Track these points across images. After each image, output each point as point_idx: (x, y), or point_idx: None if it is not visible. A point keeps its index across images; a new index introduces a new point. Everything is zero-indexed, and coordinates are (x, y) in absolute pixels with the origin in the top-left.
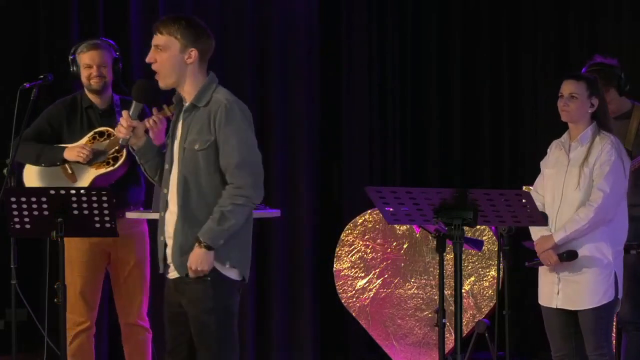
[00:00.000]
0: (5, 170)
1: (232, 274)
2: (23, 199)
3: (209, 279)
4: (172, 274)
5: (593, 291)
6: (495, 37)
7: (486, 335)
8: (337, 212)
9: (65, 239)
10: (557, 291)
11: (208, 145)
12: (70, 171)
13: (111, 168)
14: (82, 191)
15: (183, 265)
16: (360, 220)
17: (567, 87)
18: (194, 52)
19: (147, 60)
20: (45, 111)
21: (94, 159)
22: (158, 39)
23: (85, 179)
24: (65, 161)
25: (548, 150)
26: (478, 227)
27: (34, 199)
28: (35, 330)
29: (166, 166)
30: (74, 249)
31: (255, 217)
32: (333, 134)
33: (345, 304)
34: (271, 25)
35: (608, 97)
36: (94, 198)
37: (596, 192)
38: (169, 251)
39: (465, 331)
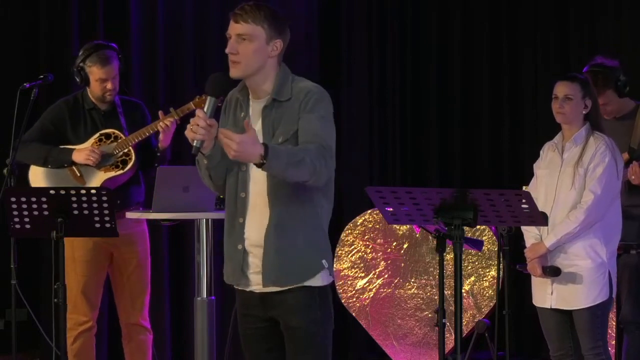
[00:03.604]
0: (5, 170)
1: (327, 277)
2: (23, 199)
3: (316, 288)
4: (260, 287)
5: (588, 290)
6: (495, 37)
7: (486, 335)
8: (337, 212)
9: (69, 239)
10: (550, 291)
11: (292, 134)
12: (78, 174)
13: (121, 172)
14: (82, 191)
15: (285, 277)
16: (360, 220)
17: (562, 89)
18: (279, 44)
19: (229, 51)
20: (47, 111)
21: (103, 162)
22: (243, 28)
23: (94, 182)
24: (73, 163)
25: (541, 152)
26: (478, 227)
27: (34, 199)
28: (35, 330)
29: (242, 167)
30: (77, 248)
31: None
32: None
33: (345, 304)
34: None
35: (606, 98)
36: (94, 198)
37: (588, 194)
38: (254, 261)
39: (465, 331)
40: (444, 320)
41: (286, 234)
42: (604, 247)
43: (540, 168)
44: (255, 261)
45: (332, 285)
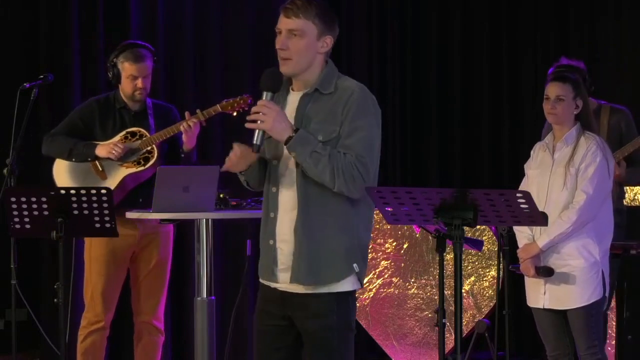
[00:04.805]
0: (5, 170)
1: (353, 284)
2: (23, 199)
3: (334, 293)
4: (284, 285)
5: (582, 290)
6: (495, 37)
7: (486, 335)
8: None
9: (88, 239)
10: (543, 291)
11: (334, 137)
12: (100, 168)
13: (141, 168)
14: (82, 191)
15: (305, 277)
16: None
17: (554, 90)
18: (329, 40)
19: (279, 47)
20: (77, 108)
21: (125, 157)
22: (294, 23)
23: (115, 177)
24: (96, 158)
25: (531, 152)
26: (478, 227)
27: (34, 199)
28: (35, 330)
29: (274, 162)
30: (96, 248)
31: (257, 217)
32: None
33: None
34: (271, 25)
35: None
36: (94, 198)
37: (580, 194)
38: (282, 258)
39: (465, 331)
40: (444, 320)
41: (315, 233)
42: (596, 247)
43: (531, 168)
44: (282, 258)
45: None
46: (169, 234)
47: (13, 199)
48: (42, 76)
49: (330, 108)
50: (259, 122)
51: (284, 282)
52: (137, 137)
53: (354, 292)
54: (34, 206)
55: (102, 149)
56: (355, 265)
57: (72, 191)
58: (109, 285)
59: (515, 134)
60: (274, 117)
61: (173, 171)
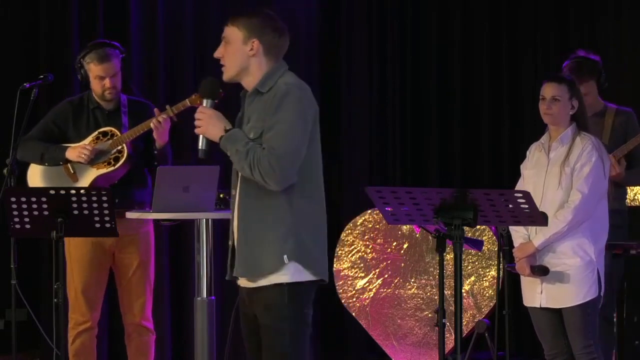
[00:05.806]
0: (5, 170)
1: (293, 274)
2: (23, 199)
3: (284, 284)
4: (240, 281)
5: (577, 288)
6: (495, 37)
7: (486, 335)
8: (337, 212)
9: (67, 239)
10: (540, 290)
11: (261, 133)
12: (72, 171)
13: (112, 168)
14: (82, 191)
15: (239, 268)
16: (360, 220)
17: (550, 90)
18: (255, 43)
19: (215, 54)
20: (52, 110)
21: (96, 158)
22: (224, 31)
23: (86, 179)
24: (67, 161)
25: (527, 152)
26: (478, 227)
27: (34, 199)
28: (35, 330)
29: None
30: (75, 248)
31: None
32: (333, 134)
33: (345, 304)
34: None
35: (587, 88)
36: (94, 198)
37: (575, 194)
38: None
39: (465, 331)
40: (444, 320)
41: (248, 228)
42: (592, 246)
43: (527, 168)
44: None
45: (328, 286)
46: (149, 234)
47: (13, 199)
48: (42, 76)
49: (264, 106)
50: (200, 128)
51: (241, 279)
52: (109, 136)
53: (306, 284)
54: (34, 206)
55: (72, 152)
56: (285, 256)
57: (72, 191)
58: (91, 286)
59: (515, 134)
60: (207, 121)
61: (173, 171)
